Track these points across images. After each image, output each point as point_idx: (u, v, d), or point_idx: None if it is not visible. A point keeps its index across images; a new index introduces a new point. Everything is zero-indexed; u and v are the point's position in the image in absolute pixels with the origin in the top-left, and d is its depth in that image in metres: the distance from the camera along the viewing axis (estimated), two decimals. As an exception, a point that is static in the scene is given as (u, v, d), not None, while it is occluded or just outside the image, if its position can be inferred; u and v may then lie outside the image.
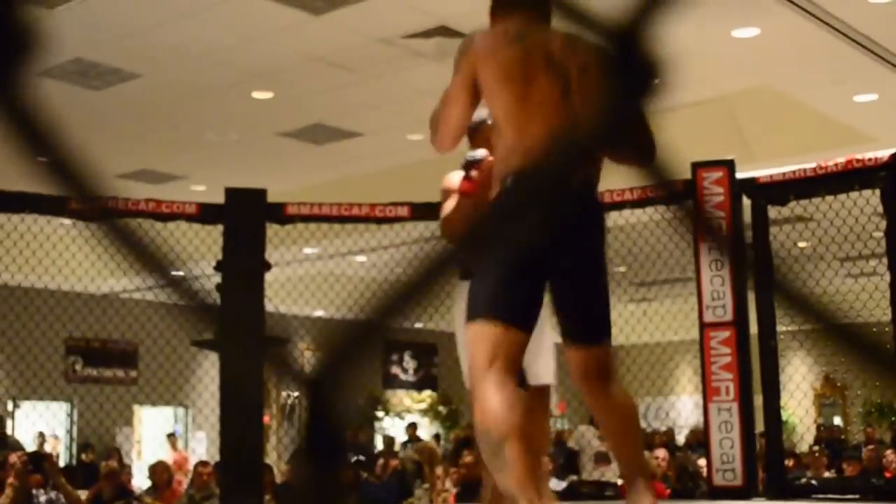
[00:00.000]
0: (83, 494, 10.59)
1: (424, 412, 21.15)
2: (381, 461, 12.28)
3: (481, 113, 4.12)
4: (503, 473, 3.28)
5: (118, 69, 10.52)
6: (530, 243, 3.40)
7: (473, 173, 4.58)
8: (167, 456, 15.60)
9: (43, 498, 7.96)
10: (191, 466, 13.93)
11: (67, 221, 7.64)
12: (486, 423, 3.30)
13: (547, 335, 4.67)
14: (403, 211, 7.96)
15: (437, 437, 19.24)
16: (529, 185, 3.34)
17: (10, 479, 7.65)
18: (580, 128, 3.35)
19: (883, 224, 7.06)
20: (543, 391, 4.78)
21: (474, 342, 3.42)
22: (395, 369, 21.04)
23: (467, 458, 10.71)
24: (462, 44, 3.65)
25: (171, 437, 17.40)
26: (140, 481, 13.31)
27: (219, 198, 7.37)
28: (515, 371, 3.45)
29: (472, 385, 3.47)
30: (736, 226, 7.50)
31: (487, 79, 3.54)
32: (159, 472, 10.92)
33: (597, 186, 3.62)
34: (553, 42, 3.59)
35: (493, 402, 3.29)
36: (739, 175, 7.59)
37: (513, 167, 3.47)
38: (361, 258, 12.81)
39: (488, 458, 3.36)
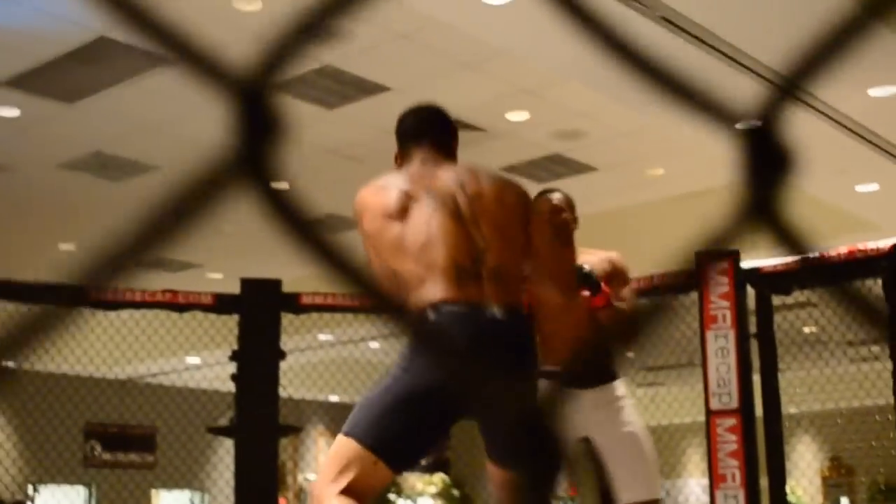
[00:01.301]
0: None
1: (436, 495, 20.98)
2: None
3: None
4: None
5: (135, 161, 10.58)
6: (448, 381, 3.12)
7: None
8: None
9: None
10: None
11: (86, 310, 7.64)
12: None
13: (643, 451, 4.70)
14: (415, 299, 7.96)
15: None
16: (448, 319, 3.21)
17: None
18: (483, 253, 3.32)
19: (886, 309, 7.04)
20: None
21: (340, 457, 3.26)
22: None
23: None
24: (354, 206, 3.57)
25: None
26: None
27: (234, 285, 7.37)
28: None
29: None
30: (740, 314, 7.49)
31: (367, 227, 3.45)
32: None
33: (520, 310, 3.47)
34: (435, 175, 3.50)
35: None
36: (744, 264, 7.59)
37: (423, 299, 3.23)
38: (374, 344, 12.79)
39: None
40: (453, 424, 3.36)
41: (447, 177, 3.48)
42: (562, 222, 4.75)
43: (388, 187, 3.49)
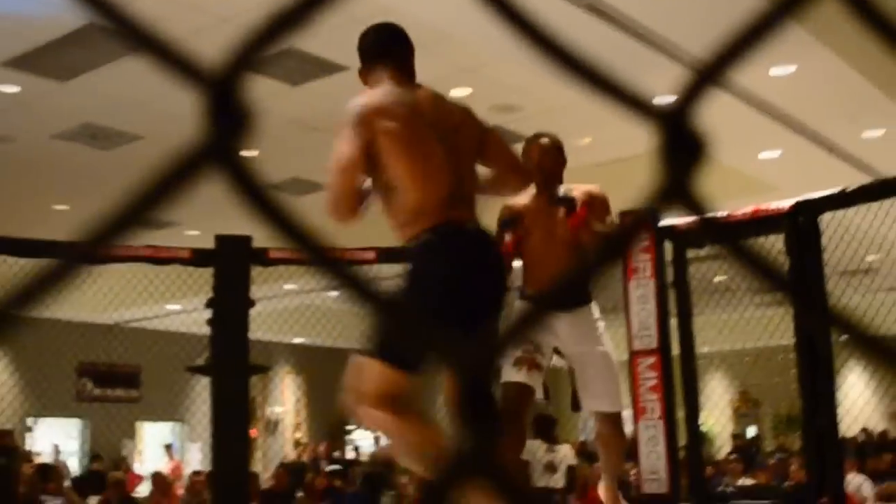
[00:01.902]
0: (93, 500, 10.46)
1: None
2: (353, 470, 12.19)
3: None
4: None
5: (122, 132, 10.54)
6: (456, 288, 3.26)
7: (508, 236, 4.61)
8: (164, 464, 15.51)
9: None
10: (184, 473, 13.79)
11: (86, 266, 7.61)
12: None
13: (613, 369, 4.71)
14: (370, 255, 7.96)
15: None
16: (450, 238, 3.30)
17: (22, 488, 7.55)
18: (466, 181, 3.39)
19: (786, 262, 7.09)
20: (617, 417, 4.86)
21: (371, 378, 3.29)
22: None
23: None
24: (354, 113, 3.37)
25: (168, 447, 17.38)
26: (143, 488, 13.18)
27: (210, 241, 7.35)
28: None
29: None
30: (658, 266, 7.52)
31: (385, 147, 3.30)
32: (158, 481, 10.80)
33: (484, 227, 3.49)
34: (429, 105, 3.47)
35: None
36: (661, 222, 7.62)
37: (424, 223, 3.29)
38: (335, 293, 12.76)
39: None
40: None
41: (436, 108, 3.47)
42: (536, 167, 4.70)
43: (397, 107, 3.38)
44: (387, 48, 3.63)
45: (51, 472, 8.22)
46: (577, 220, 4.47)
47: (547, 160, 4.82)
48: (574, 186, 4.85)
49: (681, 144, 0.63)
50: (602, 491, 5.36)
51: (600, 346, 4.69)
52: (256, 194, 0.58)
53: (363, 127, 3.30)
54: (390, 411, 3.18)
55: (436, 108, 3.47)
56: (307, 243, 0.60)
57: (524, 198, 4.66)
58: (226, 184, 0.58)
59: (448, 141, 3.39)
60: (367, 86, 3.65)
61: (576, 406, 4.88)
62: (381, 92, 3.46)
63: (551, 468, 10.84)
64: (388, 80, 3.51)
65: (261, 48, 0.58)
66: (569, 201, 4.50)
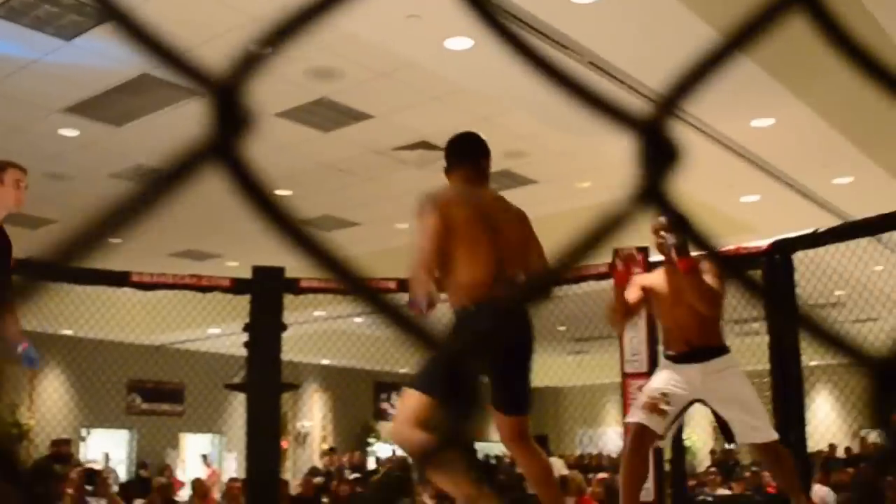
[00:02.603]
0: (139, 503, 10.45)
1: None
2: (373, 478, 12.13)
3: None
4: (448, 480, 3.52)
5: (171, 173, 10.60)
6: (479, 355, 3.47)
7: (620, 265, 4.78)
8: (202, 472, 15.48)
9: (94, 504, 7.87)
10: (220, 480, 13.75)
11: (129, 290, 7.70)
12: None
13: (748, 405, 4.64)
14: (391, 284, 7.95)
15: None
16: (488, 311, 3.55)
17: (69, 490, 7.56)
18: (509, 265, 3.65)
19: (763, 297, 7.06)
20: (773, 445, 4.73)
21: (411, 402, 3.58)
22: (384, 405, 20.82)
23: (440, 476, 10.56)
24: (427, 205, 3.70)
25: (205, 457, 17.38)
26: (184, 492, 13.14)
27: (247, 271, 7.38)
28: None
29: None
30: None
31: (452, 228, 3.63)
32: (198, 486, 10.78)
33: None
34: (487, 201, 3.78)
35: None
36: (653, 259, 7.60)
37: (470, 297, 3.59)
38: (359, 319, 12.75)
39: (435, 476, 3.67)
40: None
41: (491, 205, 3.77)
42: (658, 246, 4.78)
43: (461, 205, 3.72)
44: (465, 154, 3.94)
45: (95, 477, 8.22)
46: (687, 264, 4.49)
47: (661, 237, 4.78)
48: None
49: (656, 152, 0.63)
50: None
51: (730, 394, 4.66)
52: (288, 226, 0.58)
53: (433, 216, 3.66)
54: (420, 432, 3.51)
55: (492, 206, 3.78)
56: (343, 273, 0.59)
57: (654, 275, 4.95)
58: (228, 185, 0.59)
59: (497, 234, 3.69)
60: (449, 182, 3.95)
61: (729, 439, 4.87)
62: (451, 190, 3.82)
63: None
64: (462, 180, 3.84)
65: (262, 55, 0.58)
66: (680, 248, 4.52)
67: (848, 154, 9.14)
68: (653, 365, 7.38)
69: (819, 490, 7.81)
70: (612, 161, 10.07)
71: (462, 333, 3.58)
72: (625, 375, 7.41)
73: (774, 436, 4.69)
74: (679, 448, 7.55)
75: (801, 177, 9.89)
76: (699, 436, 18.03)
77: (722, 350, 4.72)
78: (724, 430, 4.78)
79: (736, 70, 7.32)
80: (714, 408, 4.70)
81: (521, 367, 3.68)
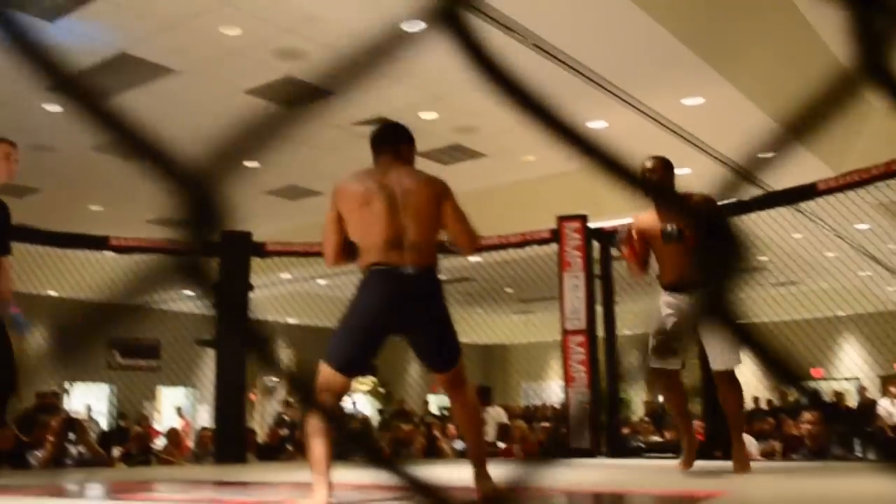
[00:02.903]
0: (118, 451, 10.38)
1: (367, 392, 20.99)
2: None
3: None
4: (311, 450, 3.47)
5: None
6: (376, 315, 3.50)
7: (624, 248, 4.90)
8: (176, 422, 15.47)
9: (74, 451, 7.81)
10: (192, 430, 13.71)
11: (109, 253, 7.68)
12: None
13: (727, 338, 4.67)
14: (352, 248, 7.96)
15: (379, 411, 19.06)
16: (379, 275, 3.54)
17: (50, 437, 7.51)
18: (407, 232, 3.61)
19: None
20: (730, 375, 4.77)
21: (320, 374, 3.53)
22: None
23: (399, 426, 10.67)
24: (332, 192, 3.78)
25: (179, 409, 17.39)
26: (161, 441, 13.10)
27: (216, 238, 7.33)
28: (340, 396, 3.60)
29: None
30: (588, 261, 7.55)
31: (343, 209, 3.69)
32: (172, 435, 10.74)
33: (429, 267, 3.62)
34: (388, 176, 3.71)
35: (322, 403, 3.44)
36: (591, 225, 7.65)
37: (366, 262, 3.58)
38: (322, 281, 12.72)
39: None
40: (383, 340, 3.57)
41: (392, 177, 3.70)
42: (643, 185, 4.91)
43: (356, 183, 3.72)
44: (381, 142, 3.92)
45: (74, 425, 8.15)
46: (689, 242, 4.60)
47: (653, 178, 4.92)
48: (688, 195, 4.85)
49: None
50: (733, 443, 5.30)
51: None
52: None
53: (332, 200, 3.76)
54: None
55: (392, 179, 3.71)
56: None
57: (645, 215, 4.94)
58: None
59: (393, 203, 3.63)
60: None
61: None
62: (350, 176, 3.81)
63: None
64: (379, 164, 3.83)
65: (236, 159, 0.57)
66: (676, 237, 4.63)
67: (771, 130, 9.24)
68: (591, 323, 7.45)
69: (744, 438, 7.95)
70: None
71: (352, 300, 3.60)
72: (565, 332, 7.47)
73: (733, 364, 4.73)
74: (615, 398, 7.64)
75: (728, 151, 9.98)
76: (632, 387, 18.25)
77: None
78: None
79: (667, 52, 7.37)
80: (703, 335, 4.82)
81: (429, 326, 3.61)
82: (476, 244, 3.84)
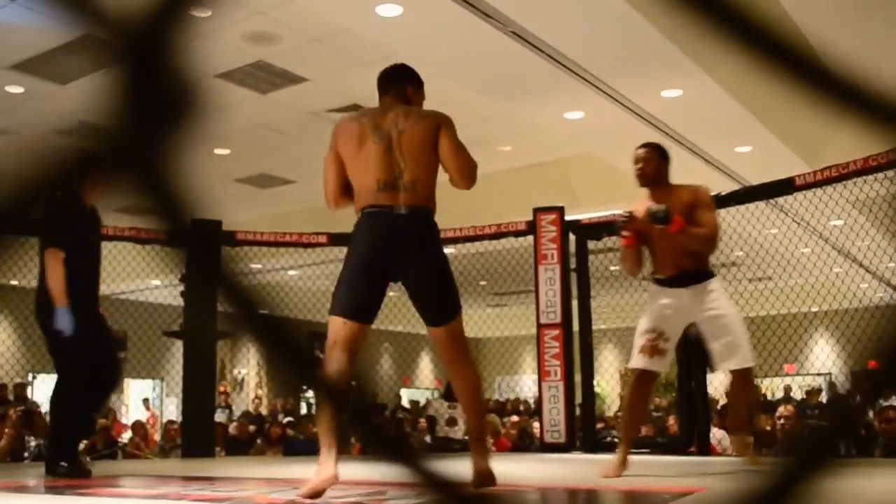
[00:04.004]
0: (82, 444, 10.30)
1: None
2: (304, 422, 12.09)
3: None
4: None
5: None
6: (370, 256, 3.49)
7: (624, 233, 4.56)
8: (142, 415, 15.36)
9: (33, 443, 7.72)
10: (158, 423, 13.62)
11: None
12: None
13: (732, 330, 4.43)
14: (323, 239, 7.92)
15: (349, 403, 18.98)
16: (371, 217, 3.53)
17: (8, 429, 7.41)
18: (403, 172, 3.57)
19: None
20: (745, 372, 4.51)
21: (329, 327, 3.50)
22: (317, 352, 20.71)
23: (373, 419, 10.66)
24: (332, 131, 3.73)
25: (145, 401, 17.28)
26: (127, 434, 12.99)
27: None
28: (350, 349, 3.48)
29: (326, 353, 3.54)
30: (564, 254, 7.55)
31: (341, 149, 3.65)
32: (138, 428, 10.66)
33: (423, 210, 3.58)
34: (384, 114, 3.67)
35: (328, 366, 3.47)
36: (568, 217, 7.64)
37: (360, 205, 3.57)
38: (292, 272, 12.64)
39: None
40: (385, 283, 3.55)
41: (389, 117, 3.65)
42: (635, 173, 4.69)
43: (353, 122, 3.67)
44: (383, 84, 3.89)
45: (32, 417, 8.07)
46: (676, 226, 4.32)
47: (647, 167, 4.67)
48: (682, 186, 4.65)
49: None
50: (733, 444, 5.15)
51: (717, 311, 4.45)
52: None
53: (332, 140, 3.70)
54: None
55: (387, 117, 3.65)
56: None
57: (640, 202, 4.66)
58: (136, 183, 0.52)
59: (388, 142, 3.58)
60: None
61: (711, 367, 4.81)
62: (350, 114, 3.77)
63: (452, 422, 11.03)
64: (381, 104, 3.79)
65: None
66: (662, 218, 4.33)
67: (749, 125, 9.25)
68: (566, 317, 7.45)
69: (716, 432, 7.99)
70: (532, 127, 10.08)
71: (349, 246, 3.56)
72: (540, 326, 7.46)
73: (750, 362, 4.48)
74: (589, 392, 7.65)
75: (705, 145, 10.00)
76: (608, 382, 18.33)
77: (709, 274, 4.54)
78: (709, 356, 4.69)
79: (648, 44, 7.34)
80: (701, 329, 4.54)
81: (423, 269, 3.54)
82: (473, 175, 3.78)
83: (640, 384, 4.66)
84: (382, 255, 3.48)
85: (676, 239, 4.40)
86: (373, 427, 0.63)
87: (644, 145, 4.82)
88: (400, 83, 3.88)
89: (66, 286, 4.95)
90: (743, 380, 4.57)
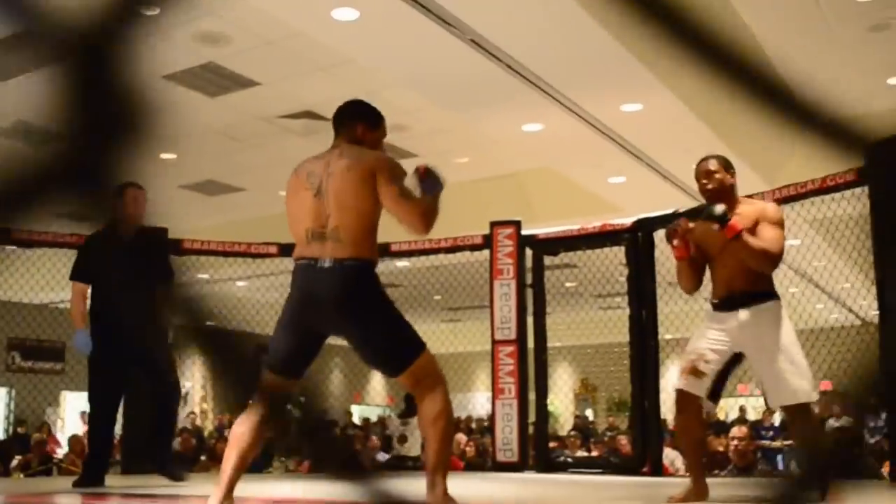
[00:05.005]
0: (16, 460, 10.13)
1: (286, 400, 20.79)
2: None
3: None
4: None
5: (53, 131, 10.14)
6: (293, 313, 3.42)
7: (675, 242, 4.29)
8: (80, 429, 15.15)
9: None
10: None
11: (10, 247, 7.44)
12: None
13: (782, 363, 4.02)
14: (273, 249, 7.86)
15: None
16: (297, 270, 3.44)
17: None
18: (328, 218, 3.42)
19: (626, 271, 7.21)
20: (796, 409, 4.04)
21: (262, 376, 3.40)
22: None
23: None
24: None
25: (83, 414, 17.01)
26: (63, 448, 12.80)
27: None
28: (271, 398, 3.23)
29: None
30: (520, 269, 7.58)
31: (286, 200, 3.55)
32: (74, 443, 10.50)
33: (351, 261, 3.38)
34: (322, 159, 3.53)
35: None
36: (524, 232, 7.67)
37: (294, 256, 3.48)
38: (241, 283, 12.55)
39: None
40: (315, 339, 3.45)
41: (323, 161, 3.50)
42: (701, 189, 4.36)
43: (295, 170, 3.57)
44: (335, 124, 3.74)
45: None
46: (732, 232, 4.02)
47: (714, 181, 4.33)
48: (749, 201, 4.44)
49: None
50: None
51: (764, 341, 4.08)
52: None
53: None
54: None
55: (320, 161, 3.52)
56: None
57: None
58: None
59: (317, 188, 3.45)
60: None
61: (713, 396, 4.28)
62: (304, 160, 3.63)
63: (403, 439, 11.02)
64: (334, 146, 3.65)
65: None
66: (718, 217, 4.04)
67: (709, 141, 9.36)
68: (521, 333, 7.47)
69: (669, 453, 8.05)
70: (489, 139, 10.11)
71: (287, 299, 3.50)
72: (494, 342, 7.48)
73: (810, 397, 4.04)
74: (543, 411, 7.67)
75: (664, 161, 10.10)
76: (561, 401, 18.41)
77: (767, 296, 4.17)
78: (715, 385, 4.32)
79: (609, 56, 7.39)
80: (752, 362, 4.18)
81: (351, 326, 3.40)
82: (423, 221, 3.50)
83: (679, 405, 4.28)
84: (306, 312, 3.39)
85: (733, 252, 4.12)
86: (323, 443, 0.63)
87: (710, 157, 4.47)
88: (349, 122, 3.70)
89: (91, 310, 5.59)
90: (796, 418, 4.12)
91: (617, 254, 7.36)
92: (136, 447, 7.41)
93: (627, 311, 7.15)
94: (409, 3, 6.55)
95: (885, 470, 6.24)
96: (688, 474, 4.41)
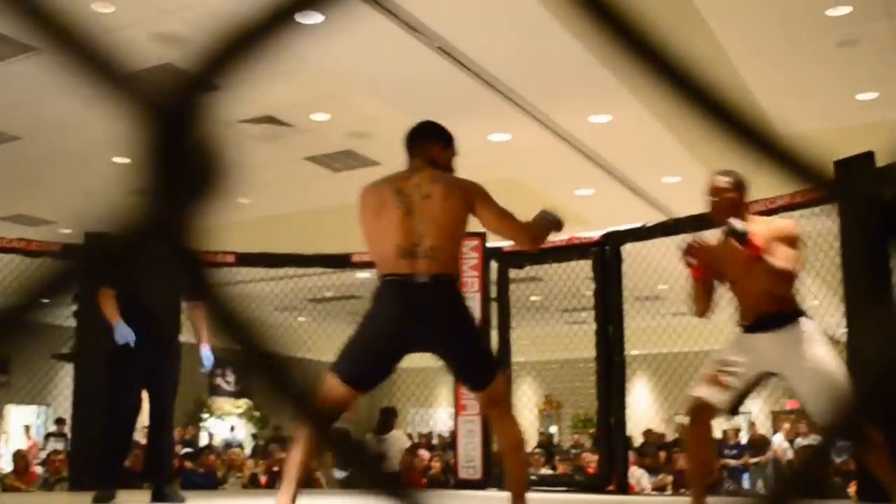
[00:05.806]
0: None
1: (241, 415, 20.65)
2: (205, 455, 11.91)
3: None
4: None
5: (2, 132, 10.01)
6: (386, 329, 3.53)
7: (692, 261, 4.19)
8: (24, 443, 14.96)
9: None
10: (41, 452, 13.27)
11: None
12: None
13: (822, 382, 3.89)
14: (230, 258, 7.83)
15: (253, 436, 18.72)
16: (390, 285, 3.57)
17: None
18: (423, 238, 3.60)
19: (592, 286, 7.26)
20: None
21: (325, 384, 3.55)
22: (219, 380, 20.44)
23: (275, 452, 10.57)
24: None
25: (27, 428, 16.81)
26: (6, 464, 12.61)
27: (81, 239, 7.10)
28: (335, 409, 3.59)
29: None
30: (485, 283, 7.60)
31: (362, 218, 3.72)
32: (18, 458, 10.36)
33: (446, 277, 3.59)
34: (408, 180, 3.73)
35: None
36: (490, 244, 7.69)
37: (379, 273, 3.63)
38: (196, 293, 12.48)
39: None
40: (401, 353, 3.59)
41: (412, 181, 3.71)
42: (712, 205, 4.27)
43: (375, 187, 3.75)
44: (409, 145, 3.97)
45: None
46: (753, 251, 3.94)
47: (722, 200, 4.25)
48: (764, 219, 4.42)
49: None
50: None
51: (802, 360, 3.98)
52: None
53: (359, 212, 3.75)
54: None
55: (412, 183, 3.71)
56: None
57: (715, 236, 4.29)
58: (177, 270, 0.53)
59: (408, 207, 3.64)
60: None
61: (733, 409, 4.24)
62: (374, 181, 3.84)
63: (381, 457, 10.93)
64: (408, 167, 3.87)
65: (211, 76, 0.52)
66: (740, 235, 3.96)
67: (678, 155, 9.46)
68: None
69: (635, 472, 8.10)
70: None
71: (366, 312, 3.62)
72: (457, 357, 7.48)
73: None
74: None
75: (633, 173, 10.18)
76: (525, 417, 18.43)
77: (797, 315, 4.10)
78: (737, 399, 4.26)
79: (578, 67, 7.45)
80: (790, 383, 4.09)
81: (446, 341, 3.60)
82: (531, 238, 3.83)
83: (693, 414, 4.20)
84: (401, 327, 3.54)
85: (753, 274, 4.05)
86: (368, 461, 0.64)
87: (722, 173, 4.37)
88: (424, 144, 3.95)
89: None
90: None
91: (584, 267, 7.41)
92: (86, 462, 7.33)
93: (594, 325, 7.19)
94: (375, 8, 6.57)
95: (852, 489, 6.32)
96: (654, 493, 4.45)
